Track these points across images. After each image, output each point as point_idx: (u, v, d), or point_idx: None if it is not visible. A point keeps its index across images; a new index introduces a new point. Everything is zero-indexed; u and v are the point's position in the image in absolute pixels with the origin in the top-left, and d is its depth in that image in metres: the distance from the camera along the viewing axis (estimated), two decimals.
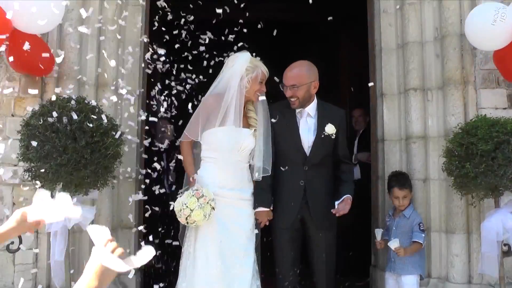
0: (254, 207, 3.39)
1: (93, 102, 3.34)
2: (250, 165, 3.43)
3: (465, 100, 3.80)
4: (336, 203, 3.33)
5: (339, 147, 3.52)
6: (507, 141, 3.17)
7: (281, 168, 3.44)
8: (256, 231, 3.38)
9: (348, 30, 5.94)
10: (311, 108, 3.50)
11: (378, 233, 3.69)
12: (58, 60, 3.41)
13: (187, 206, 3.07)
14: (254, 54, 3.53)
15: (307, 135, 3.47)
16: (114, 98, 3.52)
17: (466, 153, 3.26)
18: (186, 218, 3.08)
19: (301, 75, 3.42)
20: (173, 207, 3.21)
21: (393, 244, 3.50)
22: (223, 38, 4.01)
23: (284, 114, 3.51)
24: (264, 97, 3.44)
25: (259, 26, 4.25)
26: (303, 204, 3.41)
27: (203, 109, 3.33)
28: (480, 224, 3.53)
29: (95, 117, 3.14)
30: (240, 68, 3.32)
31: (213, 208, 3.11)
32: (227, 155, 3.28)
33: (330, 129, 3.41)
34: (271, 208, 3.45)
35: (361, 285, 4.91)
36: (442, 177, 3.78)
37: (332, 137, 3.43)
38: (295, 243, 3.47)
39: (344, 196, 3.35)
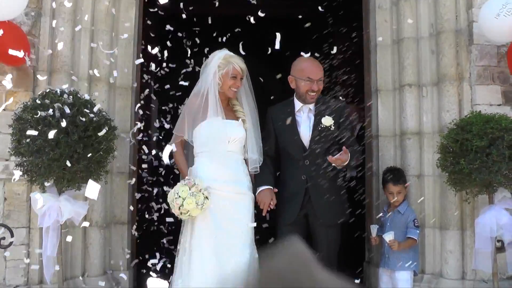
0: (255, 190, 3.36)
1: (86, 96, 3.30)
2: (245, 159, 3.43)
3: (460, 97, 3.81)
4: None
5: (345, 142, 3.41)
6: (502, 138, 3.18)
7: (284, 164, 3.48)
8: (254, 224, 3.35)
9: (342, 26, 5.90)
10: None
11: (374, 229, 3.69)
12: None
13: (179, 196, 3.06)
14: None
15: (307, 130, 3.48)
16: (106, 92, 3.47)
17: (460, 149, 3.26)
18: (179, 208, 3.06)
19: (322, 68, 3.49)
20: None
21: (388, 236, 3.50)
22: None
23: (284, 112, 3.55)
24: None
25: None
26: (307, 200, 3.41)
27: (187, 108, 3.42)
28: (474, 221, 3.53)
29: (88, 111, 3.11)
30: (214, 66, 3.40)
31: (207, 198, 3.09)
32: (216, 146, 3.31)
33: (326, 121, 3.41)
34: (275, 189, 3.37)
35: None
36: (437, 173, 3.79)
37: (331, 128, 3.42)
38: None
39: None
